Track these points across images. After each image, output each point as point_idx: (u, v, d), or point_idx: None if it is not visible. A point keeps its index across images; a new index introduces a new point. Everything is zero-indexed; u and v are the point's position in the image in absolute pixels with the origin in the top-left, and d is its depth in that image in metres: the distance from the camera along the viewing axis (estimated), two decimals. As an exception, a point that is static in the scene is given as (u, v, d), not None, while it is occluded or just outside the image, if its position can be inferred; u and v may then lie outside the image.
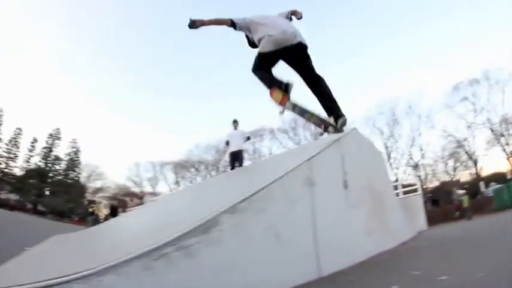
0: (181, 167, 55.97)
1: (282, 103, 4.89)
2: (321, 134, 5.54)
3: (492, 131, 43.98)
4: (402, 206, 17.76)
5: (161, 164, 56.66)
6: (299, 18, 5.41)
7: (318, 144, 6.50)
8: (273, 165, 6.84)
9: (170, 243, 2.82)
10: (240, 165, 11.45)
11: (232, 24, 5.05)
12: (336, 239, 4.62)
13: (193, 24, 4.96)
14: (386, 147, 47.77)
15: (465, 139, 44.83)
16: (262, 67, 4.97)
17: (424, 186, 43.47)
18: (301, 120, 47.45)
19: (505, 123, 43.00)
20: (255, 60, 4.97)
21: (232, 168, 11.45)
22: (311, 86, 5.17)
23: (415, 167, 45.93)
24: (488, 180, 32.76)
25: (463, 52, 61.74)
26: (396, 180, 40.61)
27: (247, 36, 5.34)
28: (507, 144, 43.13)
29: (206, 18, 5.03)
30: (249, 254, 3.43)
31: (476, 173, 44.15)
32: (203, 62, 65.61)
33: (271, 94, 4.86)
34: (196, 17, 5.03)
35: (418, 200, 20.24)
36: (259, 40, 4.89)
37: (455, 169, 46.69)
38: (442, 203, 38.58)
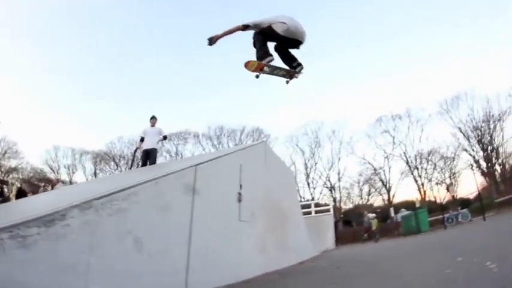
0: (101, 158, 53.01)
1: (256, 70, 5.26)
2: (287, 82, 5.67)
3: (407, 163, 46.94)
4: (312, 224, 18.13)
5: (81, 152, 53.12)
6: None
7: (225, 151, 6.26)
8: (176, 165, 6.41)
9: (5, 230, 2.38)
10: (152, 163, 10.85)
11: (245, 28, 5.40)
12: (219, 255, 4.31)
13: (212, 41, 5.27)
14: (306, 167, 48.82)
15: (381, 168, 47.46)
16: (265, 38, 5.37)
17: (338, 207, 45.62)
18: (227, 131, 48.70)
19: (419, 157, 46.43)
20: (264, 29, 5.32)
21: (144, 165, 10.86)
22: (285, 52, 5.64)
23: (332, 188, 47.50)
24: (399, 207, 34.56)
25: (391, 88, 65.57)
26: (312, 199, 41.94)
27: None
28: (419, 176, 46.35)
29: (220, 32, 5.38)
30: (101, 257, 2.99)
31: (389, 200, 47.00)
32: (144, 62, 62.86)
33: (247, 64, 5.23)
34: (212, 34, 5.36)
35: (329, 220, 20.75)
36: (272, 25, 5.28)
37: (369, 194, 48.97)
38: (354, 224, 40.82)
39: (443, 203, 42.15)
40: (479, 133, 44.52)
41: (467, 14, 52.43)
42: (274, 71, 5.72)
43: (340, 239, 25.49)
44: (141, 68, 59.02)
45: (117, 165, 49.67)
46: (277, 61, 5.58)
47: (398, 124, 47.34)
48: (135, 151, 12.21)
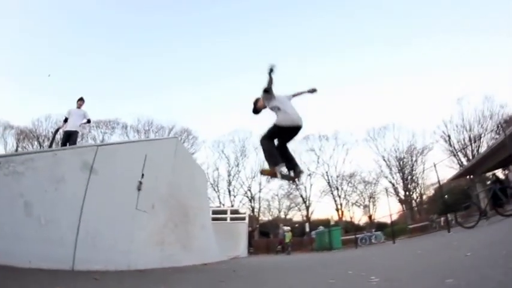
0: (25, 135, 48.68)
1: (271, 176, 5.33)
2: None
3: (328, 182, 49.01)
4: (226, 230, 18.27)
5: (5, 125, 48.24)
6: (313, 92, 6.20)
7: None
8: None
9: None
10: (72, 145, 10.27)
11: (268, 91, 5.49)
12: (110, 238, 4.32)
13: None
14: (229, 175, 49.11)
15: (302, 184, 48.76)
16: (272, 137, 5.41)
17: (257, 217, 46.44)
18: (156, 127, 47.45)
19: (341, 178, 48.69)
20: (269, 130, 5.37)
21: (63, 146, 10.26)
22: (283, 150, 5.66)
23: (252, 198, 48.15)
24: (317, 223, 35.74)
25: (321, 109, 68.25)
26: (232, 206, 42.18)
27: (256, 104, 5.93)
28: (339, 196, 48.55)
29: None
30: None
31: (307, 216, 48.66)
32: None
33: (265, 171, 5.35)
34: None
35: (243, 228, 20.95)
36: (275, 110, 5.44)
37: (289, 208, 50.43)
38: (271, 236, 41.68)
39: (360, 224, 45.39)
40: (401, 163, 48.30)
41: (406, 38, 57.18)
42: (283, 178, 5.81)
43: (255, 248, 25.98)
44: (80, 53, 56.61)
45: (40, 145, 46.22)
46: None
47: (324, 144, 49.66)
48: (56, 131, 11.41)
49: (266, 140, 5.39)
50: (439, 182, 20.11)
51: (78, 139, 10.30)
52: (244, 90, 63.15)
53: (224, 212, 22.58)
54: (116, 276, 3.75)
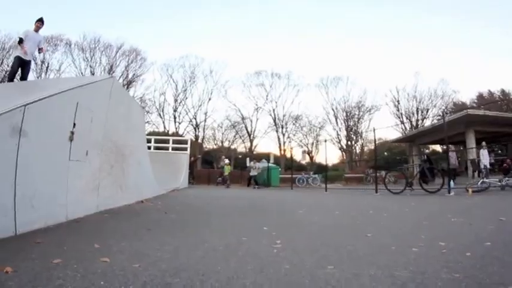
0: None
1: None
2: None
3: (274, 120, 51.03)
4: (167, 161, 18.61)
5: None
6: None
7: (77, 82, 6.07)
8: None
9: None
10: (23, 79, 9.25)
11: None
12: (48, 194, 4.43)
13: None
14: (176, 101, 48.65)
15: (249, 117, 50.74)
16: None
17: (201, 145, 47.71)
18: (103, 45, 44.64)
19: (287, 118, 50.71)
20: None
21: (13, 76, 9.21)
22: None
23: (197, 126, 48.34)
24: (260, 157, 36.70)
25: (277, 48, 68.30)
26: (177, 133, 42.35)
27: None
28: (283, 134, 50.88)
29: None
30: None
31: (250, 149, 50.75)
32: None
33: None
34: None
35: (184, 158, 21.26)
36: None
37: (234, 139, 51.96)
38: (215, 165, 42.89)
39: (303, 163, 47.76)
40: (348, 115, 51.14)
41: None
42: None
43: (197, 178, 26.89)
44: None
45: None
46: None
47: (276, 82, 51.14)
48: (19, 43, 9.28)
49: None
50: (375, 144, 21.99)
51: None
52: (196, 14, 61.49)
53: (166, 141, 22.76)
54: (56, 237, 3.81)
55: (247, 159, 26.44)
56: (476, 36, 62.19)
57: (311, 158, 49.97)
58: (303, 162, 25.53)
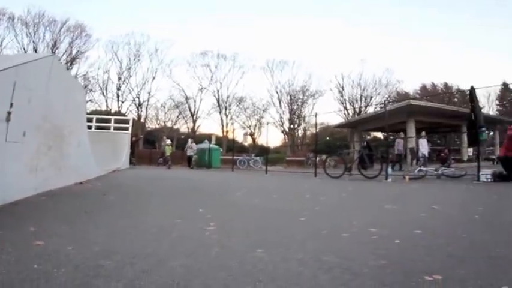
0: None
1: None
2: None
3: (218, 101, 51.07)
4: (108, 141, 18.20)
5: None
6: None
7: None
8: None
9: None
10: None
11: None
12: None
13: None
14: (120, 79, 47.22)
15: (193, 97, 50.45)
16: None
17: (143, 124, 46.83)
18: (47, 20, 42.26)
19: (231, 99, 51.00)
20: None
21: None
22: None
23: (140, 105, 47.40)
24: (202, 138, 36.59)
25: (223, 29, 68.40)
26: (119, 112, 41.34)
27: None
28: (226, 115, 51.03)
29: None
30: None
31: (193, 129, 50.80)
32: None
33: None
34: None
35: (125, 138, 20.96)
36: None
37: (177, 119, 51.55)
38: (157, 146, 42.38)
39: (245, 144, 48.14)
40: (292, 98, 52.15)
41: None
42: None
43: (138, 158, 26.22)
44: None
45: None
46: None
47: (221, 63, 50.84)
48: None
49: None
50: (316, 129, 22.66)
51: None
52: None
53: (108, 120, 22.09)
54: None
55: (189, 140, 26.23)
56: (423, 29, 65.64)
57: (254, 140, 50.69)
58: (245, 144, 25.57)
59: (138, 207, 5.16)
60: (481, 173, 10.20)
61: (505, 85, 50.64)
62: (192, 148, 24.48)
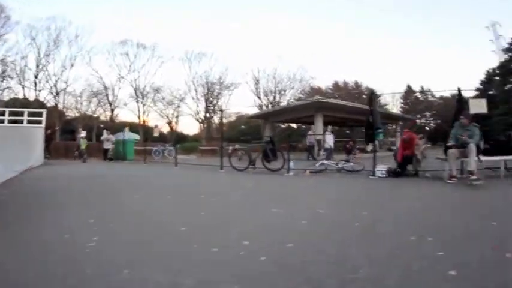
0: None
1: None
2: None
3: (135, 90, 51.47)
4: (21, 137, 17.48)
5: None
6: None
7: None
8: None
9: None
10: None
11: None
12: None
13: None
14: (38, 66, 44.99)
15: (112, 86, 50.44)
16: None
17: (62, 113, 45.40)
18: None
19: (148, 88, 51.95)
20: None
21: None
22: None
23: (57, 94, 45.61)
24: (119, 127, 35.95)
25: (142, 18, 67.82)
26: (37, 102, 39.60)
27: None
28: (144, 105, 51.91)
29: None
30: None
31: (111, 118, 51.11)
32: None
33: None
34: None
35: (39, 132, 19.97)
36: None
37: (96, 108, 51.07)
38: (76, 135, 41.22)
39: (164, 132, 50.38)
40: (208, 89, 54.29)
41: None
42: None
43: (54, 152, 25.68)
44: None
45: None
46: None
47: (140, 53, 51.75)
48: None
49: None
50: (221, 124, 24.85)
51: None
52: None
53: (20, 113, 20.34)
54: None
55: (104, 131, 25.63)
56: (337, 30, 70.13)
57: (171, 128, 52.82)
58: (156, 135, 25.61)
59: (24, 220, 4.85)
60: (376, 168, 10.85)
61: (409, 87, 63.66)
62: (108, 141, 24.02)
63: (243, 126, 55.46)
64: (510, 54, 41.77)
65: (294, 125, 48.95)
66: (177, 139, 36.48)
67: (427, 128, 58.44)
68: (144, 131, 44.19)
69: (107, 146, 23.63)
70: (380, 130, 11.95)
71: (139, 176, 13.07)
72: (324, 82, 70.44)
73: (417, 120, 59.68)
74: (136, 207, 6.17)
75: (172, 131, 52.35)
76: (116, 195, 7.68)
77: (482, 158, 9.15)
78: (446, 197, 7.16)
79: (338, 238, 3.80)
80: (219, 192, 8.22)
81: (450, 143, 9.27)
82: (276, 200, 6.75)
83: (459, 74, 73.68)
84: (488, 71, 45.42)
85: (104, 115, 51.75)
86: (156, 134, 24.91)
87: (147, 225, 4.61)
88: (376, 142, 12.40)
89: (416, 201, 6.62)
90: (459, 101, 11.38)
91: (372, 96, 12.51)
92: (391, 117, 38.04)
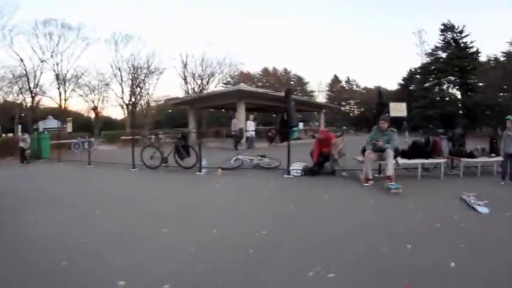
0: None
1: None
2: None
3: (57, 75, 47.43)
4: None
5: None
6: None
7: None
8: None
9: None
10: None
11: None
12: None
13: None
14: None
15: (33, 70, 45.83)
16: None
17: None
18: None
19: (72, 71, 48.50)
20: None
21: None
22: None
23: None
24: (44, 114, 33.75)
25: None
26: None
27: None
28: (65, 91, 47.73)
29: None
30: None
31: (32, 105, 46.39)
32: None
33: None
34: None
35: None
36: None
37: (19, 94, 46.69)
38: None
39: (92, 121, 48.22)
40: (135, 73, 52.07)
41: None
42: None
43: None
44: None
45: None
46: None
47: (66, 33, 47.81)
48: None
49: None
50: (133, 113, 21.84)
51: None
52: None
53: None
54: None
55: (19, 130, 23.12)
56: (268, 18, 71.24)
57: (96, 114, 49.71)
58: (69, 131, 22.30)
59: None
60: (291, 167, 10.72)
61: (335, 77, 72.99)
62: (24, 141, 19.42)
63: (170, 110, 54.44)
64: (432, 58, 52.96)
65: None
66: (104, 125, 34.78)
67: (344, 128, 62.80)
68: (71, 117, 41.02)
69: (24, 146, 20.50)
70: (295, 129, 11.76)
71: (42, 182, 11.08)
72: (254, 68, 72.55)
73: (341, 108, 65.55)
74: (30, 229, 5.54)
75: (97, 117, 49.75)
76: (8, 217, 6.42)
77: (400, 161, 9.38)
78: (356, 206, 6.93)
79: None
80: (125, 196, 8.05)
81: (368, 148, 9.28)
82: (171, 216, 6.30)
83: (384, 70, 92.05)
84: (410, 70, 58.54)
85: (25, 102, 47.28)
86: (69, 130, 21.22)
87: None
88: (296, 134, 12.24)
89: (326, 211, 6.56)
90: (379, 104, 11.57)
91: (287, 93, 12.12)
92: (316, 106, 41.21)
